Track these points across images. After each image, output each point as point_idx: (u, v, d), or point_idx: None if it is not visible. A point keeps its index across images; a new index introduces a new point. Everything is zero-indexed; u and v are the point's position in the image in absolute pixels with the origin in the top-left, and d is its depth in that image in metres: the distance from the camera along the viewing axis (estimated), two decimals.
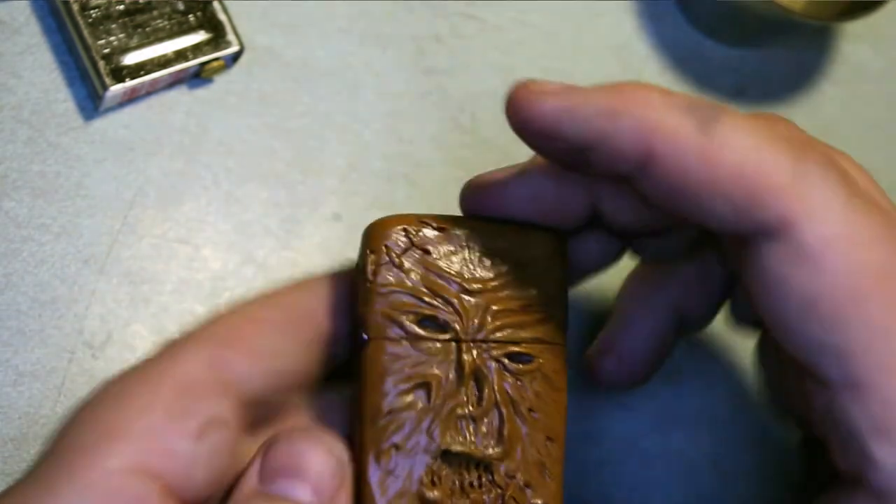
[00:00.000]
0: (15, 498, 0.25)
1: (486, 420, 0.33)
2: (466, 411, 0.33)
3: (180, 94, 0.42)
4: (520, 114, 0.31)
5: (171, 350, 0.28)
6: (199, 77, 0.42)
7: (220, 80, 0.43)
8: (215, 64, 0.42)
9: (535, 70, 0.47)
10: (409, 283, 0.33)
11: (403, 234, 0.33)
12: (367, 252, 0.33)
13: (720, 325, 0.48)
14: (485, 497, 0.32)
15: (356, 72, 0.45)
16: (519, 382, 0.33)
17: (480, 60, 0.46)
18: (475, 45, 0.46)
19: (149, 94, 0.42)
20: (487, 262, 0.34)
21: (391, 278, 0.33)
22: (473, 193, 0.34)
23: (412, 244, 0.33)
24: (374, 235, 0.33)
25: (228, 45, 0.42)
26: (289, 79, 0.44)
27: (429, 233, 0.33)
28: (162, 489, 0.26)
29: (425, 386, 0.33)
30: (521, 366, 0.33)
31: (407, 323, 0.33)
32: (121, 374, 0.28)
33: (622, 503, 0.43)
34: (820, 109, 0.51)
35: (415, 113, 0.45)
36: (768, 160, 0.28)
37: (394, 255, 0.33)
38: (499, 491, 0.33)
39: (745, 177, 0.27)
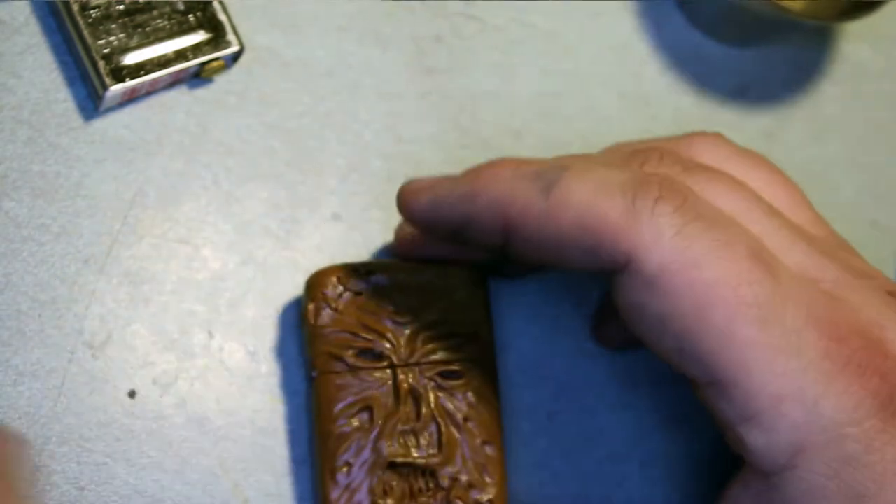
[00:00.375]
0: None
1: (425, 432, 0.38)
2: (407, 426, 0.38)
3: (180, 94, 0.42)
4: (403, 210, 0.38)
5: None
6: (199, 77, 0.42)
7: (220, 80, 0.43)
8: (215, 64, 0.42)
9: (535, 70, 0.47)
10: (346, 323, 0.38)
11: (337, 281, 0.39)
12: (308, 301, 0.38)
13: None
14: (432, 500, 0.37)
15: (356, 72, 0.45)
16: (452, 396, 0.38)
17: (480, 60, 0.46)
18: (475, 45, 0.46)
19: (149, 94, 0.42)
20: (413, 296, 0.39)
21: (330, 321, 0.38)
22: (399, 247, 0.40)
23: (345, 289, 0.39)
24: (312, 286, 0.39)
25: (228, 45, 0.42)
26: (289, 79, 0.44)
27: (359, 277, 0.39)
28: None
29: (368, 409, 0.38)
30: (452, 381, 0.38)
31: (347, 357, 0.38)
32: None
33: (622, 503, 0.43)
34: (820, 109, 0.51)
35: (415, 113, 0.45)
36: (602, 209, 0.32)
37: (330, 300, 0.38)
38: (444, 493, 0.38)
39: (585, 228, 0.32)
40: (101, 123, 0.41)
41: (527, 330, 0.44)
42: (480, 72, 0.46)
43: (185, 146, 0.42)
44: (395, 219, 0.44)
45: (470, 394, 0.39)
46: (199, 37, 0.41)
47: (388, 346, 0.38)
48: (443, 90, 0.46)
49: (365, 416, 0.38)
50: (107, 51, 0.40)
